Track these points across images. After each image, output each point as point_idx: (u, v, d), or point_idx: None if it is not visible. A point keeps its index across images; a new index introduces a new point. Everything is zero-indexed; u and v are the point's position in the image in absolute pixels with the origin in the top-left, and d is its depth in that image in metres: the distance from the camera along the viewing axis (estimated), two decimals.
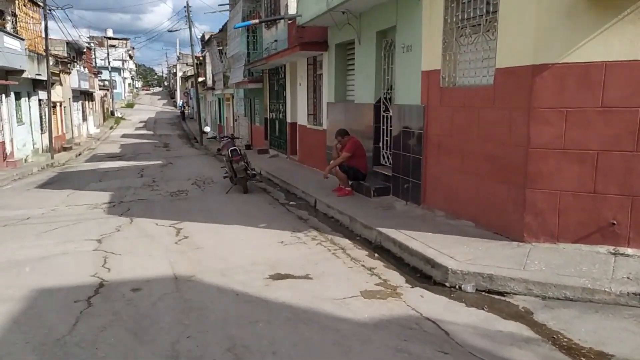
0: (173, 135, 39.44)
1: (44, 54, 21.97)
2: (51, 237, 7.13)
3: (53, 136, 25.09)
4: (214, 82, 29.25)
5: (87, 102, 38.48)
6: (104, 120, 48.73)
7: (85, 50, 36.20)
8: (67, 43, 32.33)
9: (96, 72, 43.31)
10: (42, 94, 22.98)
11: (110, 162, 19.95)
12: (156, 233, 7.21)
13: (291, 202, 9.39)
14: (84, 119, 36.45)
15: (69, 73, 28.86)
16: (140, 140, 34.45)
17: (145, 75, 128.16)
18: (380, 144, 9.27)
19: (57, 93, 26.78)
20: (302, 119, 14.20)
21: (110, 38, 71.72)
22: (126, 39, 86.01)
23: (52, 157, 22.17)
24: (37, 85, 22.39)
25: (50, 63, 26.91)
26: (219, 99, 32.12)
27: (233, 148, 10.40)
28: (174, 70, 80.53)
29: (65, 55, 30.40)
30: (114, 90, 63.89)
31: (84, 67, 36.49)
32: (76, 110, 33.81)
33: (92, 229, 7.55)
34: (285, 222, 7.66)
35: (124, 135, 38.43)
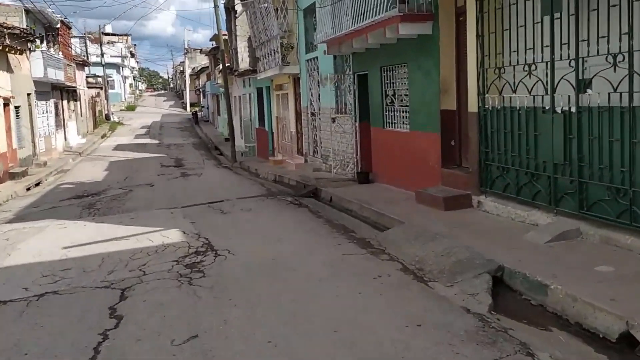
0: (186, 144, 28.47)
1: None
2: None
3: None
4: (255, 61, 18.11)
5: (65, 102, 27.38)
6: (95, 126, 37.61)
7: (59, 26, 25.04)
8: (27, 12, 21.24)
9: (80, 61, 32.16)
10: None
11: (62, 225, 8.70)
12: None
13: None
14: (60, 125, 25.33)
15: (22, 52, 17.73)
16: (140, 155, 23.36)
17: (150, 78, 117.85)
18: None
19: None
20: None
21: (107, 34, 60.52)
22: (127, 35, 75.03)
23: None
24: None
25: None
26: (259, 90, 20.85)
27: None
28: (181, 69, 69.47)
29: (23, 27, 19.24)
30: (111, 91, 52.83)
31: (59, 51, 25.42)
32: (44, 112, 22.70)
33: None
34: None
35: (118, 147, 27.35)
